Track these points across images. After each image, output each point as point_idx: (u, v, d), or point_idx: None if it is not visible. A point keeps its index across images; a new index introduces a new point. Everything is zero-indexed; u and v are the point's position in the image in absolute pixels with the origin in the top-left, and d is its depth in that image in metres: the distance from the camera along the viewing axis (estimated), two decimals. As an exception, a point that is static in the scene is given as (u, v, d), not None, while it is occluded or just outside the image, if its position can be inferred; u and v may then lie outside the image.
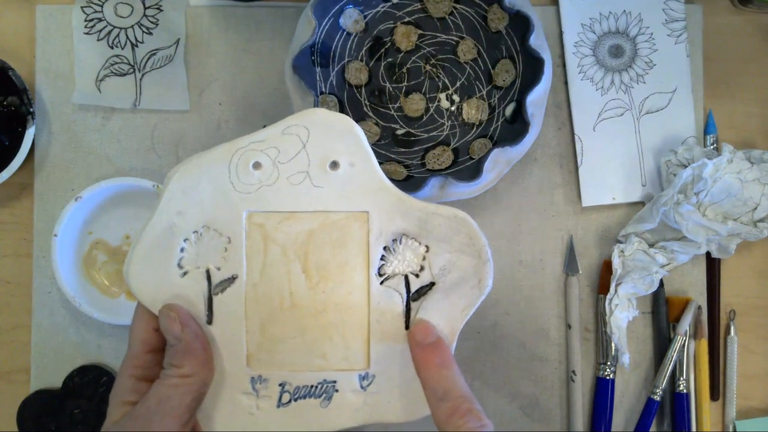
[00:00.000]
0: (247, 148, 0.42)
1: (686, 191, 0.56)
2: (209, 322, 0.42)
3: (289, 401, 0.42)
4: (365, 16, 0.57)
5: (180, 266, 0.42)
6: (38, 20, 0.59)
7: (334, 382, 0.42)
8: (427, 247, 0.42)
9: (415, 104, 0.59)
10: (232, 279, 0.42)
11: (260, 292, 0.42)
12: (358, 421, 0.42)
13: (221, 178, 0.42)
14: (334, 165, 0.42)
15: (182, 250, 0.42)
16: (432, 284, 0.42)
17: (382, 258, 0.42)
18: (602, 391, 0.57)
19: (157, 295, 0.41)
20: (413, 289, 0.42)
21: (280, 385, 0.42)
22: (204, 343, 0.41)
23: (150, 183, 0.56)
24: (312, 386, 0.42)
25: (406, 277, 0.42)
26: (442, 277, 0.42)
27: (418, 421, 0.42)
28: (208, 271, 0.42)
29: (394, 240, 0.42)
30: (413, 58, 0.59)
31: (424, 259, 0.42)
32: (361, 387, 0.42)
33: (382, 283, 0.42)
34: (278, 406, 0.42)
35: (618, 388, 0.58)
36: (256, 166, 0.42)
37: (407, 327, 0.42)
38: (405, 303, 0.42)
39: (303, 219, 0.42)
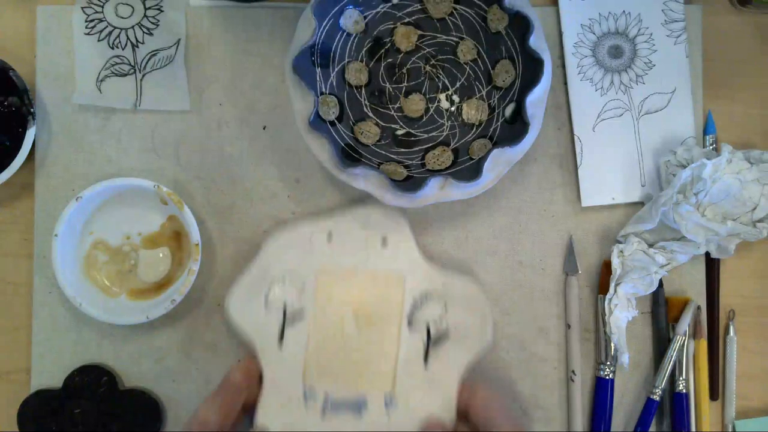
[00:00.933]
0: (325, 224, 0.56)
1: (685, 191, 0.56)
2: (280, 346, 0.54)
3: (330, 411, 0.52)
4: (365, 17, 0.58)
5: (266, 303, 0.54)
6: (39, 21, 0.59)
7: (366, 400, 0.53)
8: (445, 305, 0.54)
9: (415, 105, 0.59)
10: (302, 316, 0.54)
11: (320, 328, 0.54)
12: None
13: (303, 245, 0.55)
14: (384, 242, 0.55)
15: (268, 291, 0.54)
16: (447, 333, 0.54)
17: (412, 311, 0.54)
18: (602, 391, 0.57)
19: (247, 322, 0.54)
20: (433, 336, 0.54)
21: (324, 396, 0.53)
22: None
23: (150, 183, 0.56)
24: (348, 401, 0.53)
25: (428, 327, 0.54)
26: (455, 329, 0.54)
27: None
28: (284, 308, 0.54)
29: (422, 298, 0.54)
30: (413, 58, 0.59)
31: (443, 314, 0.54)
32: (386, 406, 0.52)
33: (410, 329, 0.54)
34: (322, 414, 0.52)
35: (617, 388, 0.58)
36: (329, 237, 0.55)
37: (425, 362, 0.53)
38: (425, 347, 0.54)
39: (357, 275, 0.55)
